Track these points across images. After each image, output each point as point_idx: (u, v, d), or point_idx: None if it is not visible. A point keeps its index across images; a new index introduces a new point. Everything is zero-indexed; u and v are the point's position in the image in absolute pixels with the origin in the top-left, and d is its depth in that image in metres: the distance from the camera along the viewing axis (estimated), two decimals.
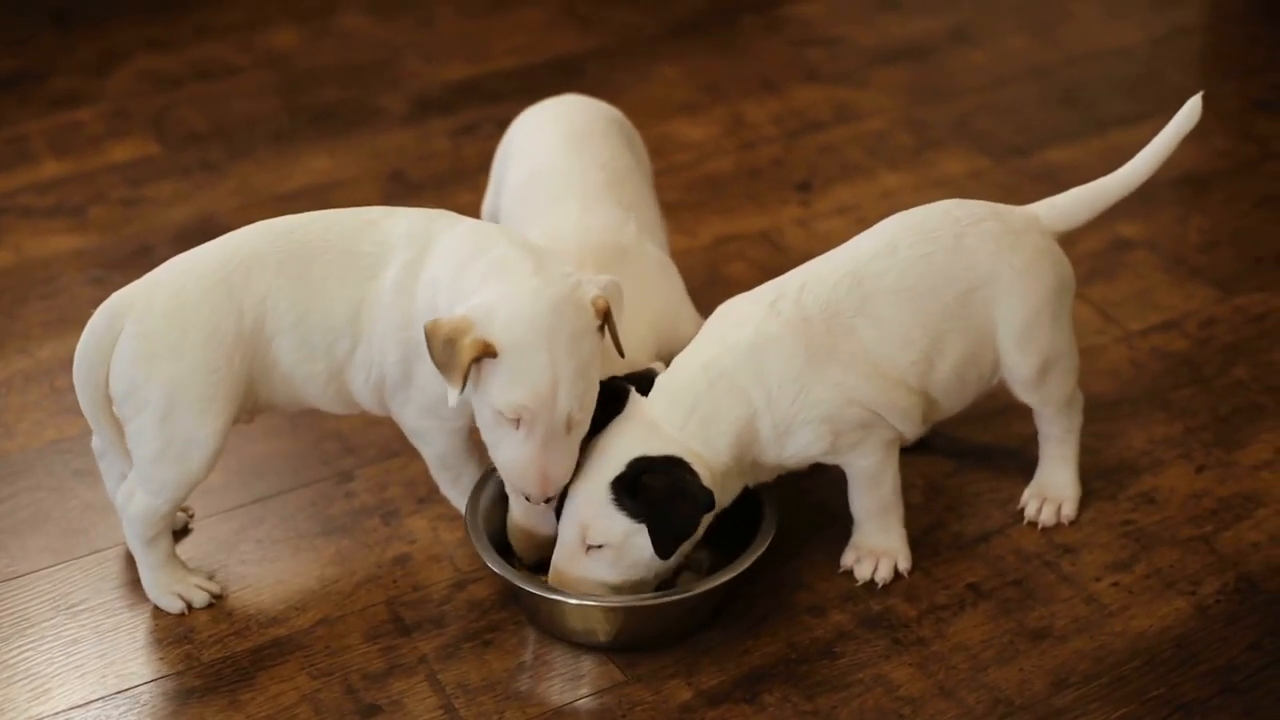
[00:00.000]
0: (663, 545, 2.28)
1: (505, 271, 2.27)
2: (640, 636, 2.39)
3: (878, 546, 2.49)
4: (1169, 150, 2.55)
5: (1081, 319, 3.02)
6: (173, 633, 2.44)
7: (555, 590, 2.36)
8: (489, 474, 2.51)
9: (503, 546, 2.46)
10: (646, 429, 2.31)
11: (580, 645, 2.40)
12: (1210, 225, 3.34)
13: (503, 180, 2.81)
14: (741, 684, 2.35)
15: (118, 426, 2.41)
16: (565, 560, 2.35)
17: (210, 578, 2.52)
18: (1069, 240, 3.27)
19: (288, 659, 2.40)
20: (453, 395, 2.24)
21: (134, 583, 2.54)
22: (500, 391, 2.25)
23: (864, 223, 3.34)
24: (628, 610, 2.35)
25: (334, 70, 4.08)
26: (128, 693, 2.36)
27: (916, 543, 2.54)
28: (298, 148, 3.73)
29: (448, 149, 3.71)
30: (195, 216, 3.46)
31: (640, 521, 2.28)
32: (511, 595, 2.47)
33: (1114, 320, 3.04)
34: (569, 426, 2.28)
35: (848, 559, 2.51)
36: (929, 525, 2.59)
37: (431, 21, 4.30)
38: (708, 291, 3.08)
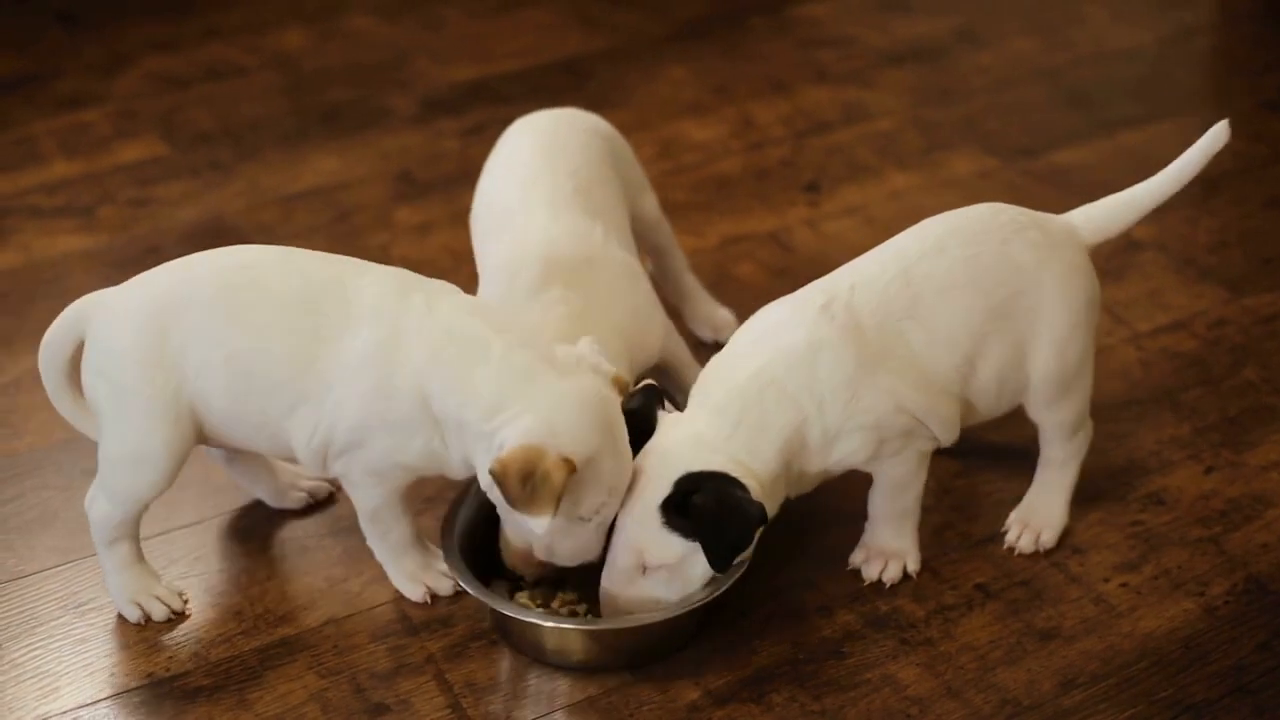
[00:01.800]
0: (720, 561, 2.27)
1: (528, 380, 2.23)
2: (617, 658, 2.37)
3: (888, 547, 2.49)
4: (1197, 166, 2.56)
5: None
6: (181, 630, 2.44)
7: (530, 613, 2.35)
8: (463, 493, 2.50)
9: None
10: (690, 444, 2.29)
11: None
12: (1219, 226, 3.34)
13: (481, 192, 2.82)
14: (749, 684, 2.34)
15: (86, 417, 2.44)
16: (619, 585, 2.32)
17: (180, 594, 2.50)
18: None
19: (295, 658, 2.40)
20: (543, 523, 2.21)
21: None
22: (583, 501, 2.26)
23: (872, 223, 3.36)
24: (604, 633, 2.34)
25: (342, 71, 4.08)
26: (136, 691, 2.36)
27: (925, 543, 2.54)
28: (306, 148, 3.73)
29: (456, 149, 3.71)
30: (204, 217, 3.46)
31: (694, 540, 2.26)
32: (495, 622, 2.45)
33: (1123, 321, 3.04)
34: None
35: (856, 558, 2.50)
36: (937, 525, 2.59)
37: (439, 22, 4.30)
38: (715, 291, 3.08)
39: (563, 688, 2.35)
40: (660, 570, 2.30)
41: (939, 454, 2.71)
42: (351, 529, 2.59)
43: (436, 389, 2.25)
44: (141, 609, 2.47)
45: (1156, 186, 2.56)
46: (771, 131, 3.76)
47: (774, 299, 3.09)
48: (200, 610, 2.49)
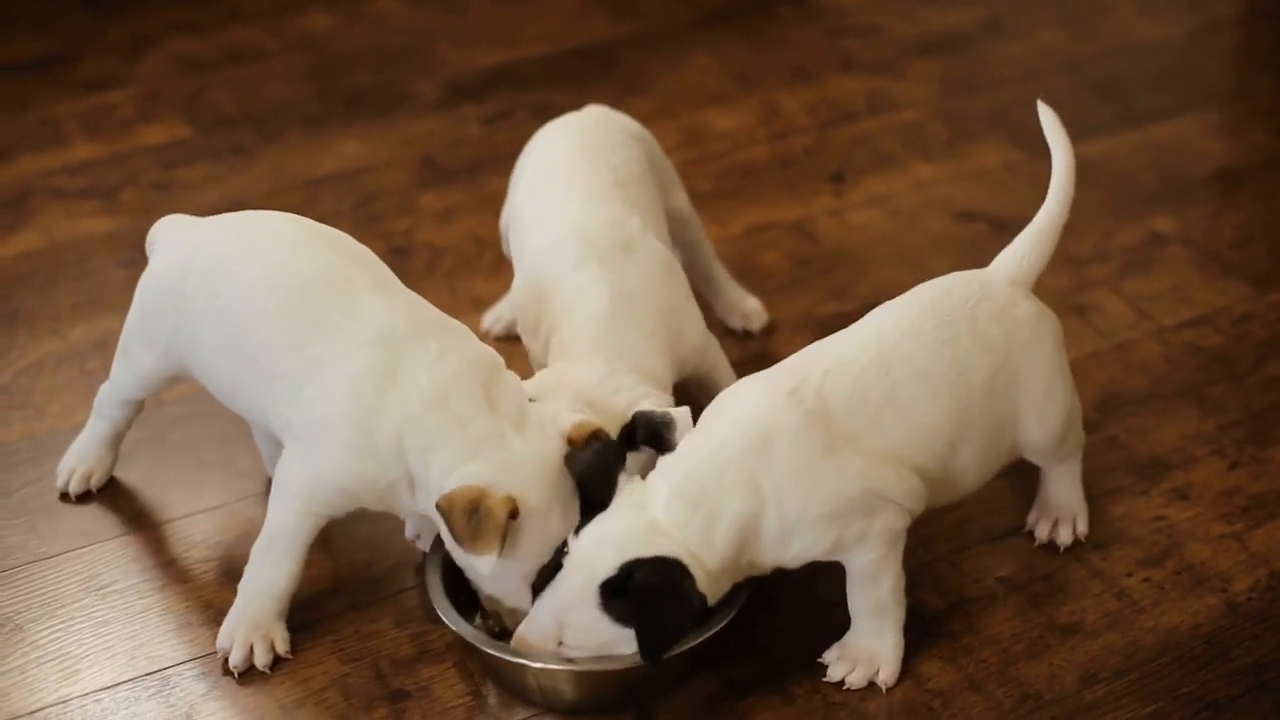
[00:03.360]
0: (649, 650, 2.17)
1: (492, 443, 2.25)
2: (605, 700, 2.31)
3: (864, 649, 2.34)
4: (1071, 154, 2.48)
5: (1115, 313, 3.02)
6: (203, 615, 2.44)
7: (518, 653, 2.27)
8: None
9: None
10: (646, 530, 2.20)
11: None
12: (1244, 221, 3.33)
13: (517, 189, 2.80)
14: (771, 675, 2.34)
15: None
16: (529, 643, 2.25)
17: (100, 481, 2.67)
18: (1104, 235, 3.27)
19: (318, 643, 2.40)
20: (487, 562, 2.21)
21: (163, 564, 2.55)
22: (538, 557, 2.26)
23: (897, 214, 3.36)
24: (590, 675, 2.26)
25: (366, 55, 4.07)
26: (157, 675, 2.36)
27: (946, 536, 2.53)
28: (329, 132, 3.73)
29: (479, 135, 3.70)
30: (226, 200, 3.45)
31: (626, 626, 2.19)
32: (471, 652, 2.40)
33: (1147, 315, 3.03)
34: None
35: (829, 655, 2.37)
36: (959, 519, 2.58)
37: (463, 7, 4.29)
38: (739, 281, 3.07)
39: None
40: (577, 650, 2.23)
41: None
42: (378, 514, 2.56)
43: (413, 441, 2.26)
44: (70, 474, 2.65)
45: (1058, 196, 2.46)
46: (797, 120, 3.75)
47: (797, 288, 3.11)
48: (222, 595, 2.48)
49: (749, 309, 3.02)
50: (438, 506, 2.23)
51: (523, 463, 2.25)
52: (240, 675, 2.35)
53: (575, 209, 2.62)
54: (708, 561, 2.19)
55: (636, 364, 2.45)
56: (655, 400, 2.42)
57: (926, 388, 2.29)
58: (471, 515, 2.20)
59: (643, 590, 2.16)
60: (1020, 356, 2.36)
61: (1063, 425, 2.41)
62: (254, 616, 2.37)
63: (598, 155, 2.72)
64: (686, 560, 2.18)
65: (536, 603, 2.26)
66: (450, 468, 2.24)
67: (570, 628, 2.21)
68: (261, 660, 2.35)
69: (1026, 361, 2.37)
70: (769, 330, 3.01)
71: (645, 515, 2.22)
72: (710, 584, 2.19)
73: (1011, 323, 2.37)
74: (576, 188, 2.66)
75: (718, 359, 2.65)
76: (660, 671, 2.24)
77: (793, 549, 2.24)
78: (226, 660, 2.35)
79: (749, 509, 2.21)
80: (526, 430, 2.28)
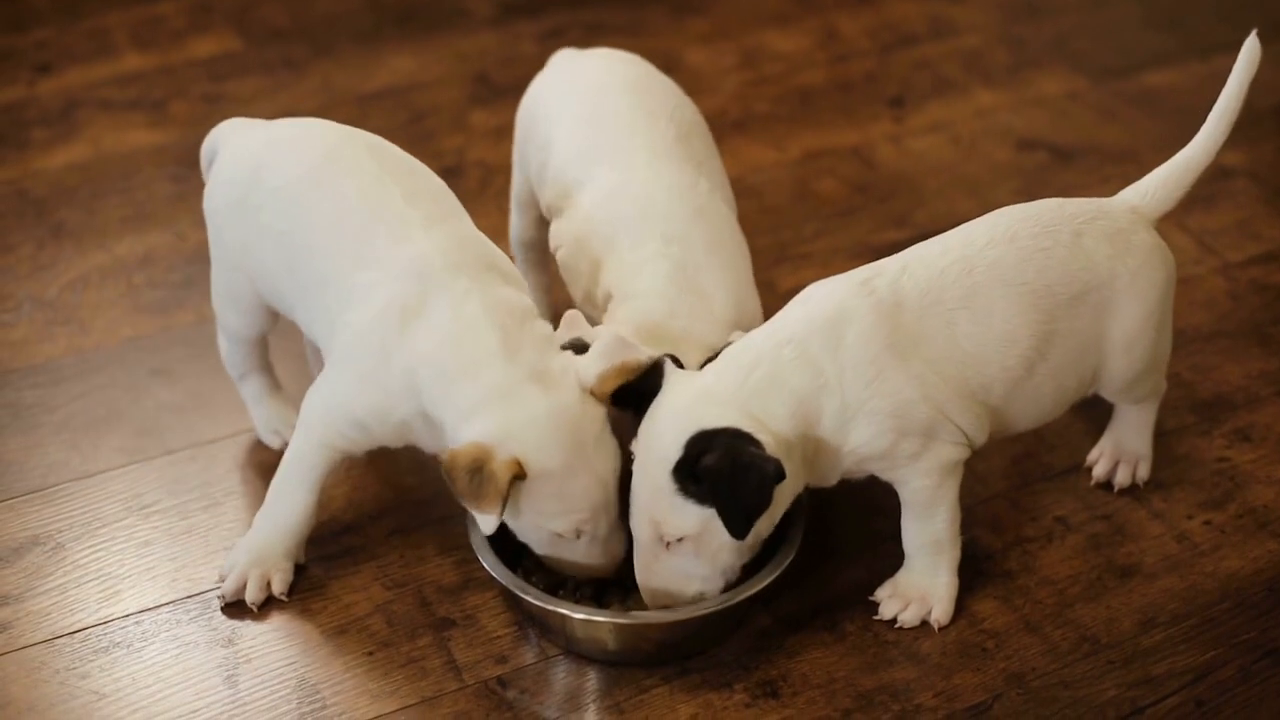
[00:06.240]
0: (736, 526, 2.12)
1: (506, 398, 2.17)
2: (650, 652, 2.26)
3: (917, 587, 2.31)
4: (1239, 101, 2.39)
5: (1179, 248, 2.95)
6: None
7: (559, 603, 2.23)
8: None
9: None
10: (698, 398, 2.17)
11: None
12: None
13: (548, 139, 2.60)
14: (822, 611, 2.31)
15: None
16: (647, 562, 2.21)
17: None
18: None
19: (361, 569, 2.38)
20: (490, 522, 2.16)
21: (207, 484, 2.53)
22: (557, 517, 2.20)
23: (958, 141, 3.30)
24: (632, 627, 2.22)
25: None
26: (198, 597, 2.34)
27: (1004, 473, 2.50)
28: (381, 47, 3.68)
29: (534, 53, 3.65)
30: (276, 114, 3.36)
31: (708, 506, 2.15)
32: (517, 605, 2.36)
33: (1212, 250, 2.97)
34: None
35: (882, 592, 2.34)
36: (1017, 455, 2.54)
37: None
38: (796, 207, 3.03)
39: None
40: (684, 543, 2.18)
41: None
42: None
43: (425, 381, 2.20)
44: (281, 438, 2.57)
45: (1207, 138, 2.40)
46: (856, 44, 3.69)
47: (854, 215, 3.07)
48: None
49: None
50: (441, 463, 2.17)
51: (536, 420, 2.16)
52: (225, 606, 2.32)
53: (639, 174, 2.48)
54: (772, 425, 2.15)
55: (699, 342, 2.33)
56: None
57: (1008, 294, 2.23)
58: (474, 475, 2.14)
59: (715, 473, 2.10)
60: (1123, 282, 2.29)
61: (1147, 363, 2.35)
62: (260, 551, 2.34)
63: (652, 100, 2.58)
64: (749, 427, 2.13)
65: (632, 524, 2.21)
66: (463, 416, 2.18)
67: (664, 525, 2.17)
68: (252, 596, 2.31)
69: (1129, 288, 2.29)
70: (824, 259, 2.96)
71: (695, 383, 2.18)
72: (782, 451, 2.14)
73: (1124, 246, 2.30)
74: (637, 142, 2.52)
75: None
76: (704, 627, 2.23)
77: (851, 439, 2.20)
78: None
79: (807, 387, 2.17)
80: (547, 382, 2.20)
